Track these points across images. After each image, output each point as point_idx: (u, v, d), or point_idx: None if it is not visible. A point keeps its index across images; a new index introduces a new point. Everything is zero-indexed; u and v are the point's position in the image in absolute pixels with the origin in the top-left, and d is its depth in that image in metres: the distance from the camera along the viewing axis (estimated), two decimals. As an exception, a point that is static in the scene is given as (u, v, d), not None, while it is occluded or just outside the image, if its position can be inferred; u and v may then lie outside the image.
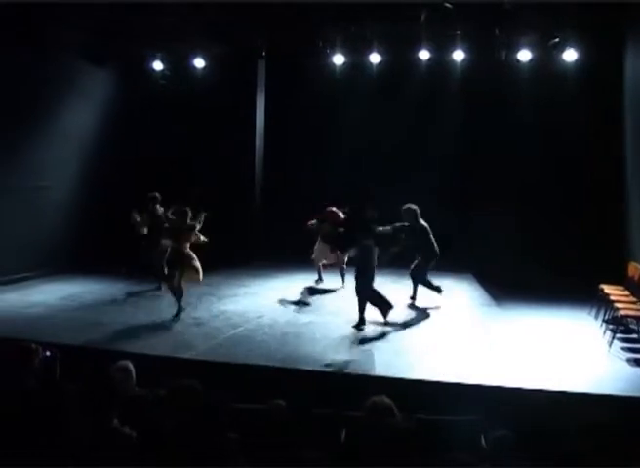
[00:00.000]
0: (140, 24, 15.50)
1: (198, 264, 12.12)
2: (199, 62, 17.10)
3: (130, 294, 14.10)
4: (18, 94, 14.88)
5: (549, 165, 16.41)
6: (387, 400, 5.47)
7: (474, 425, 6.60)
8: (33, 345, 7.11)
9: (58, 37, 15.29)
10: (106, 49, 16.51)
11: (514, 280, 14.79)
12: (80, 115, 17.18)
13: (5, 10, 13.43)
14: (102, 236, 16.69)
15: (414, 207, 13.24)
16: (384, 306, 11.75)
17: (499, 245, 15.89)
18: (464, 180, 17.36)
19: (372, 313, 11.79)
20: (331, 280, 15.12)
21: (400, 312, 12.70)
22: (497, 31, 14.56)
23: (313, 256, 15.00)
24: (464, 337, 11.01)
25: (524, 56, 15.23)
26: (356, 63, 16.68)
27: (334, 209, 14.13)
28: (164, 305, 12.75)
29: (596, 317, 12.19)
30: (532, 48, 15.18)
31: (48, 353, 7.12)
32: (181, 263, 12.04)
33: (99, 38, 16.02)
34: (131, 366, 6.90)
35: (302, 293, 14.37)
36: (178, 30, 15.80)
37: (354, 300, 11.69)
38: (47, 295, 14.00)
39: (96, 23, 15.25)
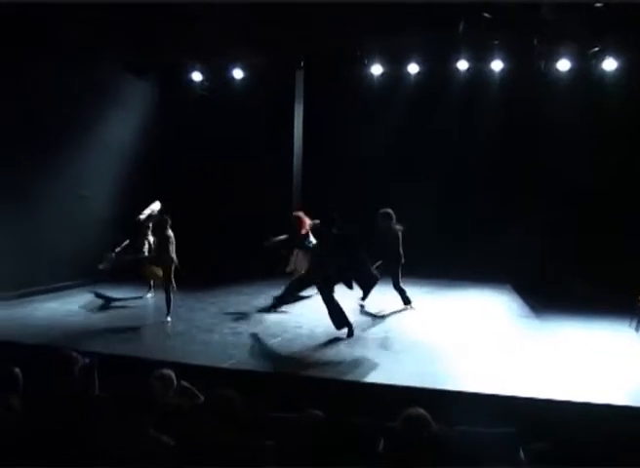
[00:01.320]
0: (180, 35, 15.64)
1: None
2: (238, 73, 17.19)
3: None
4: (59, 104, 15.07)
5: (589, 175, 16.26)
6: (422, 411, 5.44)
7: (513, 437, 6.54)
8: (73, 353, 7.18)
9: (99, 48, 15.47)
10: (147, 59, 16.65)
11: (553, 291, 14.67)
12: (120, 125, 17.34)
13: (49, 21, 13.63)
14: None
15: (390, 211, 13.49)
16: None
17: (538, 255, 15.79)
18: (504, 190, 17.26)
19: (408, 324, 11.76)
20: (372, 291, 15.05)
21: (437, 322, 12.67)
22: (535, 41, 14.48)
23: (291, 268, 14.96)
24: (502, 349, 10.92)
25: (563, 65, 15.13)
26: (394, 74, 16.67)
27: (301, 214, 14.22)
28: (202, 315, 12.80)
29: (637, 329, 12.06)
30: (571, 57, 15.08)
31: (87, 360, 7.18)
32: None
33: (139, 49, 16.18)
34: (172, 374, 6.93)
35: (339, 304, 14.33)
36: (217, 41, 15.90)
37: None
38: (86, 304, 14.12)
39: (136, 34, 15.41)
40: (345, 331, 11.54)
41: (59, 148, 15.46)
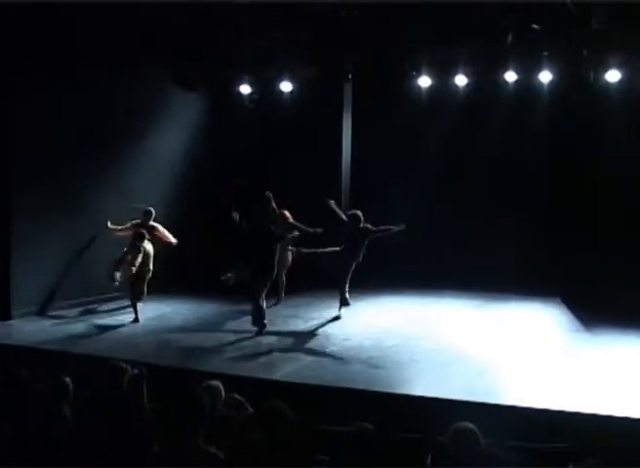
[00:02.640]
0: (230, 49, 15.78)
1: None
2: (286, 86, 17.24)
3: (218, 315, 14.24)
4: (110, 117, 15.28)
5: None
6: (471, 426, 5.40)
7: (564, 453, 6.48)
8: (123, 364, 7.25)
9: (151, 62, 15.64)
10: (196, 73, 16.79)
11: (605, 304, 14.47)
12: (170, 138, 17.51)
13: (98, 36, 13.81)
14: (192, 258, 16.92)
15: (359, 213, 13.96)
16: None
17: (589, 268, 15.61)
18: (553, 201, 17.09)
19: (456, 337, 11.70)
20: (421, 303, 15.00)
21: (485, 335, 12.59)
22: (585, 52, 14.35)
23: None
24: (552, 363, 10.79)
25: (613, 76, 14.95)
26: (442, 86, 16.60)
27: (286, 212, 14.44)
28: (249, 326, 12.85)
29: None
30: (621, 68, 14.89)
31: (136, 371, 7.24)
32: None
33: (189, 63, 16.33)
34: (220, 385, 6.96)
35: (388, 316, 14.30)
36: (266, 54, 16.01)
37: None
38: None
39: (186, 48, 15.56)
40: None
41: (112, 160, 15.69)
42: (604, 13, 12.84)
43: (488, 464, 5.23)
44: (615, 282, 15.09)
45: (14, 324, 13.41)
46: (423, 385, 9.58)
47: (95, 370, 7.56)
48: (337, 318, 13.81)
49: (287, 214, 14.46)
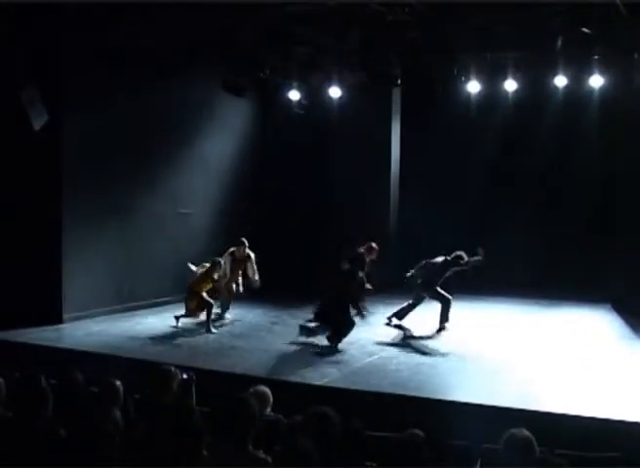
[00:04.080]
0: (278, 54, 15.85)
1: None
2: (335, 91, 17.23)
3: (266, 320, 14.29)
4: (160, 122, 15.44)
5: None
6: (527, 433, 5.33)
7: (617, 463, 6.39)
8: (172, 369, 7.30)
9: (198, 68, 15.75)
10: (244, 79, 16.86)
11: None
12: (219, 144, 17.65)
13: (148, 42, 13.94)
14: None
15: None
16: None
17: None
18: (606, 208, 16.91)
19: (505, 343, 11.62)
20: (472, 309, 14.91)
21: (535, 341, 12.48)
22: (636, 55, 14.16)
23: None
24: (602, 370, 10.64)
25: (665, 80, 14.74)
26: (492, 91, 16.48)
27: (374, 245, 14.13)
28: (297, 331, 12.88)
29: None
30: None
31: (185, 376, 7.29)
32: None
33: (237, 69, 16.40)
34: (268, 391, 6.97)
35: (436, 322, 14.21)
36: (314, 60, 16.04)
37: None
38: (185, 320, 14.33)
39: (235, 54, 15.63)
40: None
41: (161, 166, 15.85)
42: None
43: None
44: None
45: (65, 327, 13.57)
46: (473, 392, 9.50)
47: (145, 375, 7.62)
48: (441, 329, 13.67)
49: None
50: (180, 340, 12.64)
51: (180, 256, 16.06)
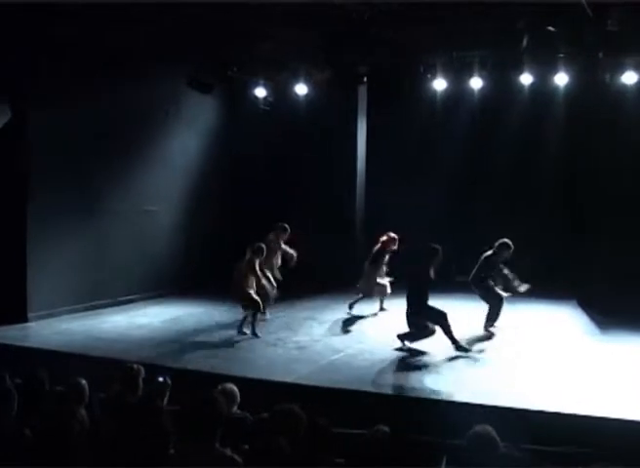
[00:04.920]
0: (244, 51, 15.80)
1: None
2: (301, 88, 17.23)
3: (232, 318, 14.25)
4: (125, 120, 15.34)
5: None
6: (490, 429, 5.38)
7: (574, 457, 6.45)
8: (136, 366, 7.29)
9: (164, 65, 15.68)
10: (211, 76, 16.81)
11: (622, 306, 14.41)
12: (185, 141, 17.58)
13: (113, 39, 13.86)
14: (207, 259, 17.00)
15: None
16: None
17: (605, 269, 15.56)
18: (569, 205, 17.07)
19: (471, 340, 11.69)
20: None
21: (501, 340, 12.55)
22: (601, 54, 14.29)
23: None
24: (568, 367, 10.74)
25: (629, 78, 14.87)
26: (457, 88, 16.56)
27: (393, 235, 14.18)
28: (264, 328, 12.87)
29: None
30: (637, 70, 14.81)
31: (160, 379, 7.29)
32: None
33: (204, 66, 16.36)
34: (235, 389, 6.96)
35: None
36: (281, 57, 16.03)
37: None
38: (151, 318, 14.31)
39: (201, 51, 15.58)
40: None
41: (126, 164, 15.76)
42: (620, 14, 12.79)
43: (504, 466, 5.21)
44: (631, 284, 15.03)
45: (30, 326, 13.45)
46: (438, 388, 9.55)
47: (110, 373, 7.59)
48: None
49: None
50: (145, 338, 12.56)
51: (146, 254, 16.05)
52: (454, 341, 11.38)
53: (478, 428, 5.39)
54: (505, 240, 13.05)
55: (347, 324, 13.86)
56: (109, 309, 14.99)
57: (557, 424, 8.17)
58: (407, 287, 11.85)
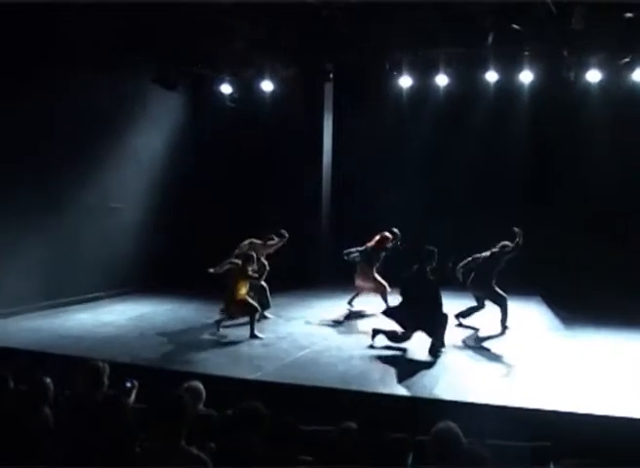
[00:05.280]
0: (210, 48, 15.75)
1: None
2: (267, 85, 17.21)
3: (198, 315, 14.22)
4: (89, 116, 15.21)
5: (621, 185, 16.21)
6: (452, 425, 5.41)
7: (543, 452, 6.50)
8: (101, 363, 7.24)
9: (129, 61, 15.60)
10: (176, 73, 16.74)
11: (585, 302, 14.58)
12: (150, 137, 17.51)
13: (79, 35, 13.77)
14: (173, 257, 16.94)
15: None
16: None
17: (569, 265, 15.72)
18: (533, 200, 17.20)
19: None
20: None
21: (467, 336, 12.62)
22: (565, 52, 14.41)
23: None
24: (532, 362, 10.83)
25: (593, 76, 15.00)
26: (423, 86, 16.62)
27: (388, 234, 14.22)
28: (231, 326, 12.84)
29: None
30: (601, 68, 14.95)
31: (128, 384, 7.27)
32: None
33: (169, 62, 16.28)
34: (201, 386, 6.95)
35: (368, 316, 14.31)
36: (246, 54, 15.99)
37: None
38: (117, 315, 14.23)
39: (166, 47, 15.52)
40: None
41: (90, 161, 15.62)
42: (584, 13, 12.89)
43: (468, 463, 5.24)
44: (595, 279, 15.21)
45: (-6, 324, 13.35)
46: (404, 384, 9.60)
47: (75, 371, 7.53)
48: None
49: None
50: (111, 336, 12.48)
51: (111, 251, 15.97)
52: (440, 343, 11.41)
53: (441, 424, 5.41)
54: (504, 242, 13.02)
55: (314, 321, 13.86)
56: (75, 307, 14.89)
57: (523, 419, 8.23)
58: (408, 293, 11.64)
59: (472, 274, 13.11)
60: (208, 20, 14.03)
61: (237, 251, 13.40)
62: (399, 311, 11.64)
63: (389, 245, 14.28)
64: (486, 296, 13.19)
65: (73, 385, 7.25)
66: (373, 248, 14.28)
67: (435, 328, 11.30)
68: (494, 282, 13.05)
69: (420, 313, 11.29)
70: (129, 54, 15.35)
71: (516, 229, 12.80)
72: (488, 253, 13.05)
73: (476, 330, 13.07)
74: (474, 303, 13.37)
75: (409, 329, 11.46)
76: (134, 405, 6.80)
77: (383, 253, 14.34)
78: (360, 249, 14.36)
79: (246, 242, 13.68)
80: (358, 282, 14.49)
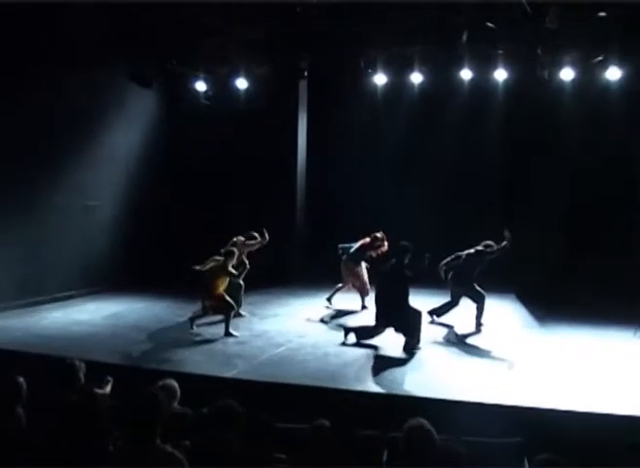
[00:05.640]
0: (185, 45, 15.71)
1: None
2: (242, 83, 17.18)
3: (173, 313, 14.18)
4: (64, 114, 15.12)
5: (594, 183, 16.31)
6: (424, 422, 5.43)
7: (516, 447, 6.54)
8: (77, 362, 7.21)
9: (104, 59, 15.52)
10: (151, 70, 16.68)
11: (558, 299, 14.67)
12: (125, 135, 17.41)
13: (51, 31, 13.68)
14: (147, 255, 16.88)
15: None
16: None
17: (542, 264, 15.79)
18: (508, 199, 17.26)
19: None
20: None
21: (440, 333, 12.67)
22: (539, 50, 14.49)
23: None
24: (506, 359, 10.90)
25: (567, 74, 15.09)
26: (398, 83, 16.65)
27: (378, 235, 14.24)
28: (205, 324, 12.82)
29: (642, 338, 12.04)
30: (575, 66, 15.04)
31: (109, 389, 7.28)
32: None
33: (144, 59, 16.22)
34: (175, 384, 6.93)
35: (345, 313, 14.34)
36: (221, 51, 15.96)
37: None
38: (92, 314, 14.16)
39: (141, 45, 15.46)
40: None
41: (65, 159, 15.53)
42: (558, 12, 12.97)
43: (441, 460, 5.26)
44: (568, 277, 15.30)
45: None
46: (379, 382, 9.62)
47: (49, 370, 7.50)
48: None
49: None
50: (85, 335, 12.41)
51: (86, 249, 15.89)
52: (416, 341, 11.45)
53: (413, 421, 5.43)
54: (489, 242, 13.08)
55: (289, 318, 13.87)
56: (49, 305, 14.80)
57: (498, 416, 8.26)
58: (382, 287, 11.75)
59: (452, 271, 13.17)
60: (183, 18, 14.00)
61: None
62: (375, 305, 11.72)
63: (380, 245, 14.26)
64: (465, 293, 13.25)
65: (48, 384, 7.22)
66: (361, 246, 14.31)
67: (407, 325, 11.34)
68: (474, 280, 13.11)
69: (389, 310, 11.39)
70: (104, 52, 15.27)
71: (507, 233, 12.89)
72: (472, 251, 13.08)
73: (450, 327, 13.11)
74: (448, 300, 13.43)
75: (379, 324, 11.53)
76: (108, 403, 6.77)
77: (369, 253, 14.36)
78: (352, 245, 14.42)
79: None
80: (343, 275, 14.52)
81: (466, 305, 13.28)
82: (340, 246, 14.52)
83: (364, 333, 11.72)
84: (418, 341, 11.44)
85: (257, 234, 13.98)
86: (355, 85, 17.08)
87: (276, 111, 17.83)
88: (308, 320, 13.79)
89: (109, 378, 7.44)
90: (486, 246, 13.01)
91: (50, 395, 6.91)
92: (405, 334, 11.33)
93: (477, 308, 13.10)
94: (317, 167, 18.50)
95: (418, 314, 11.55)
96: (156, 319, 13.77)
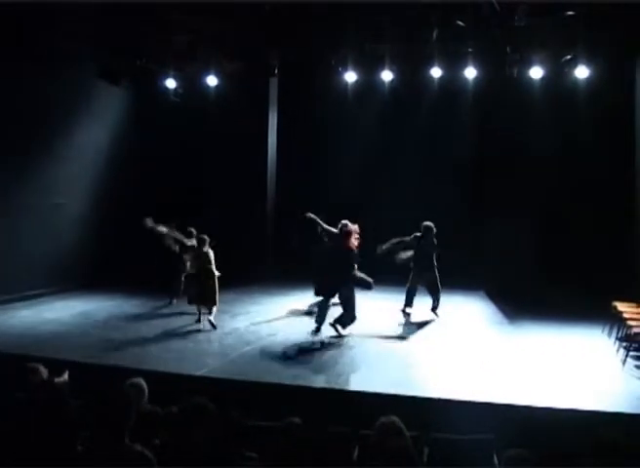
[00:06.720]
0: (154, 42, 15.64)
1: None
2: (212, 80, 17.13)
3: (142, 312, 14.12)
4: (32, 111, 15.00)
5: (562, 182, 16.43)
6: (395, 419, 5.43)
7: (487, 444, 6.56)
8: (40, 366, 7.16)
9: (72, 55, 15.41)
10: (120, 67, 16.59)
11: (527, 297, 14.76)
12: (94, 132, 17.31)
13: (19, 27, 13.56)
14: (116, 253, 16.78)
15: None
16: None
17: (511, 262, 15.88)
18: (477, 196, 17.34)
19: (381, 331, 11.82)
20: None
21: (410, 330, 12.71)
22: (508, 49, 14.56)
23: None
24: (476, 355, 10.94)
25: (536, 73, 15.18)
26: (368, 81, 16.67)
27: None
28: (176, 322, 12.77)
29: (609, 335, 12.11)
30: (544, 65, 15.13)
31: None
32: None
33: (113, 56, 16.13)
34: (143, 383, 6.89)
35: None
36: (191, 48, 15.91)
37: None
38: (60, 312, 14.06)
39: (110, 41, 15.37)
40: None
41: (33, 157, 15.40)
42: (527, 11, 13.06)
43: (412, 456, 5.27)
44: (536, 275, 15.40)
45: None
46: (351, 379, 9.63)
47: (17, 369, 7.43)
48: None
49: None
50: (53, 333, 12.32)
51: (55, 247, 15.78)
52: (350, 319, 11.90)
53: (384, 419, 5.44)
54: (428, 223, 13.61)
55: (260, 316, 13.85)
56: (17, 304, 14.67)
57: (466, 412, 8.30)
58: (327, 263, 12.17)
59: (415, 256, 13.66)
60: (152, 14, 13.93)
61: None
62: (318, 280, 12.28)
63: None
64: (427, 279, 13.61)
65: (15, 383, 7.16)
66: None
67: (347, 300, 11.89)
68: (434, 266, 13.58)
69: (332, 279, 11.96)
70: (72, 48, 15.15)
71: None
72: (418, 235, 13.63)
73: (418, 324, 13.17)
74: (410, 292, 13.79)
75: (325, 295, 12.16)
76: (76, 402, 6.72)
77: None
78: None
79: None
80: None
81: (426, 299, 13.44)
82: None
83: (347, 320, 11.97)
84: (352, 320, 11.89)
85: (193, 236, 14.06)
86: (326, 82, 17.07)
87: (247, 108, 17.80)
88: (279, 317, 13.77)
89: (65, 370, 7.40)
90: (427, 229, 13.67)
91: (16, 394, 6.86)
92: (344, 309, 11.85)
93: (434, 299, 13.76)
94: (288, 163, 18.47)
95: (354, 294, 11.97)
96: (125, 317, 13.71)
